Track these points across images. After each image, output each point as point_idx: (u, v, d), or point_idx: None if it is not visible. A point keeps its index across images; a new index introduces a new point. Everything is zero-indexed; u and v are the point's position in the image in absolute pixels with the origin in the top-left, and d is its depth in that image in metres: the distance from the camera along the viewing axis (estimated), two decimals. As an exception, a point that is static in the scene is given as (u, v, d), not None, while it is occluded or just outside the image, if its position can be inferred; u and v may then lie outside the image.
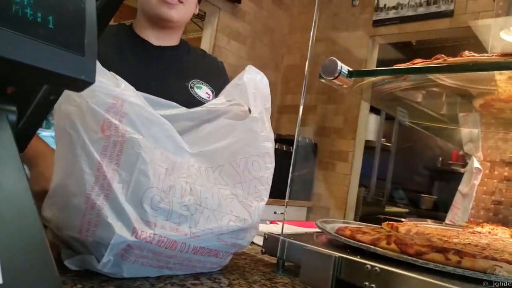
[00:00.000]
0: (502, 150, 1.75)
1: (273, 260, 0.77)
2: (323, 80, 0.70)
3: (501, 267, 0.57)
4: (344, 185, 3.77)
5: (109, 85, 0.55)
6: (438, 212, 4.04)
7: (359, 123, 3.77)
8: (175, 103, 0.66)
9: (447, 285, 0.54)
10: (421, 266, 0.61)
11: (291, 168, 0.70)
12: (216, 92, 1.20)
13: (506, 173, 1.72)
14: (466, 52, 0.63)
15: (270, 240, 0.76)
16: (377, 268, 0.59)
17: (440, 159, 4.87)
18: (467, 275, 0.58)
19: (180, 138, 0.61)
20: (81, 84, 0.35)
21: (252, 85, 0.67)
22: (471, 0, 3.21)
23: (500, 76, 0.91)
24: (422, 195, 4.74)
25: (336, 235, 0.75)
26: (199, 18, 4.12)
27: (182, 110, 0.66)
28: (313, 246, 0.66)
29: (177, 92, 1.12)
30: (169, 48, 1.19)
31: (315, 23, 0.69)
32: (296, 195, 3.66)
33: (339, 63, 0.66)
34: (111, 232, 0.51)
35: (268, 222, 1.25)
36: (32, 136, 0.45)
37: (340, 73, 0.66)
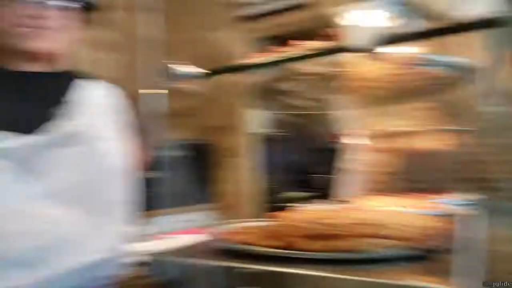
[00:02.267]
0: (382, 124, 1.86)
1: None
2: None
3: (375, 244, 0.59)
4: (247, 180, 3.78)
5: None
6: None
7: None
8: None
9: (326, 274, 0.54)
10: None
11: (162, 175, 0.64)
12: None
13: (380, 146, 1.85)
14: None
15: (155, 263, 0.70)
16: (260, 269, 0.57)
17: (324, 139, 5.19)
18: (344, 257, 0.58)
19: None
20: None
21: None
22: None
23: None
24: (318, 176, 5.00)
25: (219, 243, 0.72)
26: None
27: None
28: (194, 260, 0.62)
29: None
30: None
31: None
32: (202, 198, 3.59)
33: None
34: None
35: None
36: None
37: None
